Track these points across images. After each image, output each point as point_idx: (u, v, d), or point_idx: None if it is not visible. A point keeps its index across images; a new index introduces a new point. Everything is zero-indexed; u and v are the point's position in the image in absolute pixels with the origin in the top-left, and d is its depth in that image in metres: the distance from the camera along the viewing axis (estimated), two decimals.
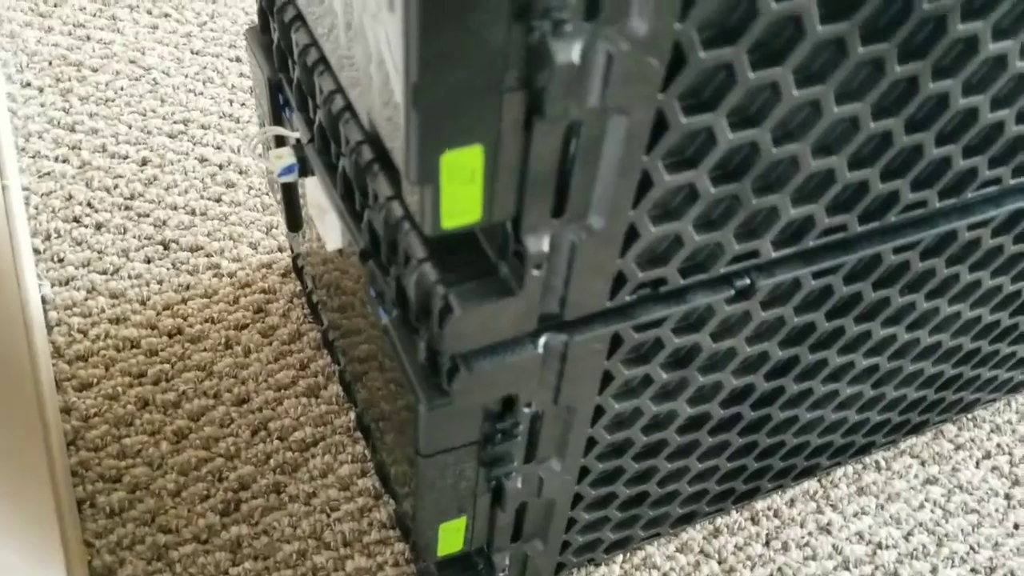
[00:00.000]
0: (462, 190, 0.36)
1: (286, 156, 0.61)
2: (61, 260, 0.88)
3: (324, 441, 0.77)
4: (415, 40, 0.31)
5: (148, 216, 0.93)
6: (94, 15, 1.15)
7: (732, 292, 0.49)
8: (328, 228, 0.57)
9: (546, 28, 0.32)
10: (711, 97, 0.39)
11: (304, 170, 0.61)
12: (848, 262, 0.52)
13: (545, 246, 0.40)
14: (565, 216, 0.39)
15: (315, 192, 0.58)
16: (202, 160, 0.98)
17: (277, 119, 0.66)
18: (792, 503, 0.77)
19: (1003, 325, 0.68)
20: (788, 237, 0.48)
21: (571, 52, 0.32)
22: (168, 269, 0.88)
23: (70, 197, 0.93)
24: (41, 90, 1.04)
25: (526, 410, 0.49)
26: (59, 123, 1.01)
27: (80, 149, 0.98)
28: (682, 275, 0.47)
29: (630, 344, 0.49)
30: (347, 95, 0.49)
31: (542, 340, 0.45)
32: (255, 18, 1.16)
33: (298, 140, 0.61)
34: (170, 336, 0.84)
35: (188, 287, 0.87)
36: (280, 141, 0.67)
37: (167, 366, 0.81)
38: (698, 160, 0.41)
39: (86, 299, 0.85)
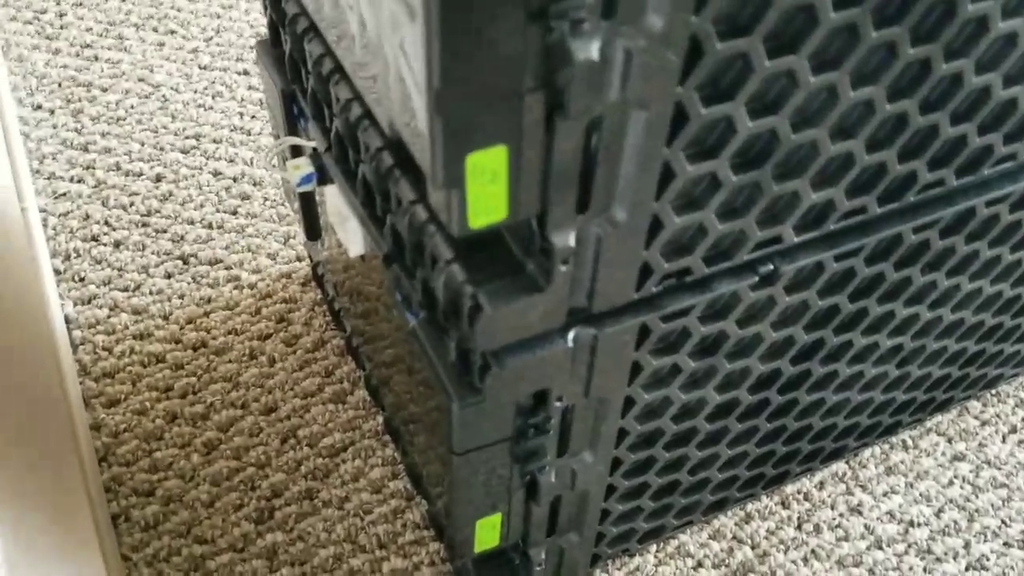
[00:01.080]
0: (487, 190, 0.37)
1: (304, 166, 0.61)
2: (82, 279, 0.89)
3: (354, 446, 0.78)
4: (437, 47, 0.31)
5: (166, 232, 0.93)
6: (100, 35, 1.15)
7: (756, 278, 0.49)
8: (350, 235, 0.57)
9: (564, 28, 0.32)
10: (729, 87, 0.39)
11: (323, 179, 0.61)
12: (869, 243, 0.52)
13: (571, 241, 0.40)
14: (590, 211, 0.40)
15: (335, 200, 0.59)
16: (216, 174, 0.99)
17: (292, 129, 0.67)
18: (822, 486, 0.77)
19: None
20: (809, 221, 0.49)
21: (590, 50, 0.33)
22: (189, 283, 0.89)
23: (87, 216, 0.94)
24: (52, 112, 1.05)
25: (558, 404, 0.50)
26: (72, 144, 1.02)
27: (94, 168, 0.99)
28: (706, 264, 0.47)
29: (658, 334, 0.49)
30: (364, 102, 0.49)
31: (571, 334, 0.46)
32: (261, 31, 1.16)
33: (315, 149, 0.61)
34: (194, 349, 0.84)
35: (209, 300, 0.88)
36: (296, 151, 0.68)
37: (193, 379, 0.82)
38: (718, 149, 0.41)
39: (109, 316, 0.86)
